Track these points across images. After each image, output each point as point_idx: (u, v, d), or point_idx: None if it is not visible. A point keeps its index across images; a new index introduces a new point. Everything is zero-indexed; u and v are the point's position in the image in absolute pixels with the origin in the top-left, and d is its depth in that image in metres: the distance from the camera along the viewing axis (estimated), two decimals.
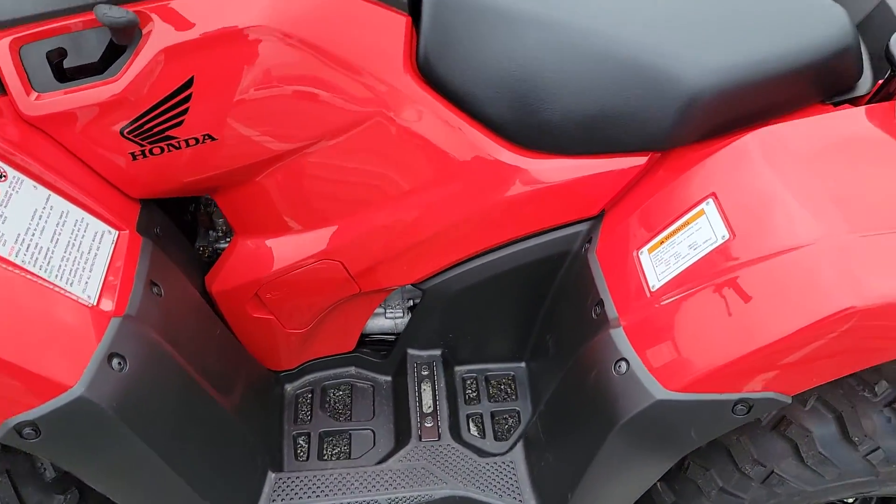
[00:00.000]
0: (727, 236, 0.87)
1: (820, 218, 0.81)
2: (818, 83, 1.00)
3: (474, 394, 1.36)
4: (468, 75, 1.04)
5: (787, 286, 0.78)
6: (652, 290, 0.92)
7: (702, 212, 0.91)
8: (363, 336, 1.39)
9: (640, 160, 1.05)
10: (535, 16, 1.04)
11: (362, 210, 1.11)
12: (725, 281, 0.83)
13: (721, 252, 0.86)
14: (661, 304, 0.90)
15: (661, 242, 0.95)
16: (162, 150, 0.95)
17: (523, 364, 1.37)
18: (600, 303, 1.00)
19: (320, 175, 1.06)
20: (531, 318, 1.27)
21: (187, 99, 0.92)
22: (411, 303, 1.37)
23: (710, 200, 0.91)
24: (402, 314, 1.37)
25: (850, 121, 0.93)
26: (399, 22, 0.99)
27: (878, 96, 0.98)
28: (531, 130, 1.07)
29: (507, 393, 1.38)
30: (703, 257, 0.88)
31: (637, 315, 0.92)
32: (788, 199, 0.84)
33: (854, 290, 0.74)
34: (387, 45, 1.00)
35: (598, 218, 1.11)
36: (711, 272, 0.86)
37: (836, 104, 1.03)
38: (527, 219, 1.14)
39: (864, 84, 1.03)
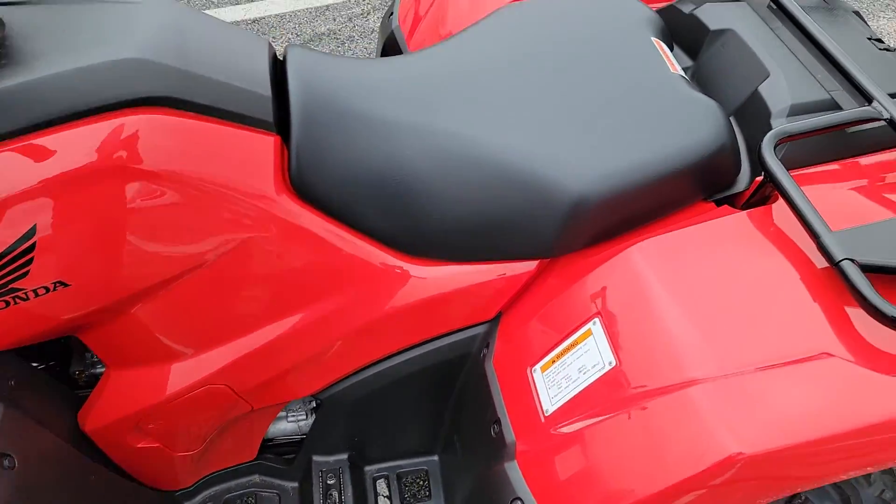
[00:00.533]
0: (614, 363, 0.85)
1: (704, 351, 0.79)
2: (699, 183, 1.00)
3: (386, 497, 1.30)
4: (346, 189, 0.99)
5: (673, 429, 0.76)
6: (546, 414, 0.90)
7: (589, 332, 0.89)
8: (266, 440, 1.32)
9: (530, 265, 1.03)
10: (412, 124, 1.00)
11: (247, 331, 1.05)
12: (613, 417, 0.80)
13: (609, 380, 0.84)
14: (555, 432, 0.87)
15: (553, 362, 0.92)
16: (7, 303, 0.87)
17: (436, 457, 1.33)
18: (498, 421, 0.97)
19: (198, 302, 0.99)
20: (438, 415, 1.23)
21: (31, 249, 0.84)
22: (314, 404, 1.31)
23: (597, 320, 0.89)
24: (305, 416, 1.31)
25: (731, 229, 0.92)
26: (267, 143, 0.94)
27: (755, 196, 0.98)
28: (416, 240, 1.03)
29: (420, 490, 1.34)
30: (592, 384, 0.86)
31: (532, 444, 0.89)
32: (672, 325, 0.83)
33: (738, 435, 0.73)
34: (256, 167, 0.94)
35: (494, 320, 1.08)
36: (600, 403, 0.83)
37: (717, 202, 1.02)
38: (421, 325, 1.10)
39: (743, 179, 1.03)
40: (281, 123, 0.96)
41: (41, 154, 0.82)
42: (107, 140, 0.84)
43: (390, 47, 1.55)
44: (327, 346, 1.09)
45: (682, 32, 1.22)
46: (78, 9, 0.91)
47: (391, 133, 0.99)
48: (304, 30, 3.02)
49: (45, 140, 0.82)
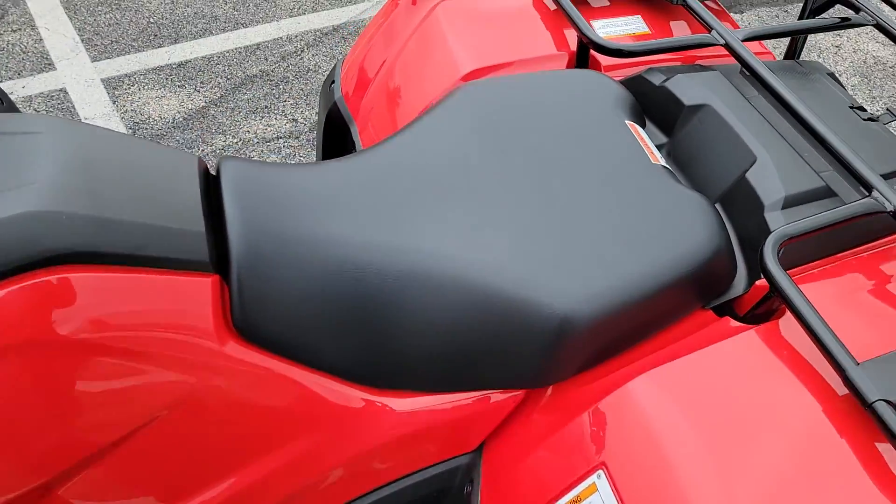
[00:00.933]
0: None
1: None
2: (695, 292, 0.90)
3: None
4: (301, 325, 0.86)
5: None
6: None
7: (593, 487, 0.78)
8: None
9: (515, 394, 0.91)
10: (374, 243, 0.87)
11: (198, 490, 0.90)
12: None
13: None
14: None
15: None
16: None
17: None
18: None
19: (137, 469, 0.84)
20: None
21: None
22: None
23: (601, 473, 0.78)
24: None
25: (742, 352, 0.83)
26: (204, 285, 0.80)
27: (760, 308, 0.89)
28: (384, 373, 0.90)
29: None
30: None
31: None
32: (694, 487, 0.72)
33: None
34: (193, 316, 0.80)
35: (477, 451, 0.97)
36: None
37: (716, 309, 0.93)
38: (395, 462, 0.97)
39: (740, 282, 0.94)
40: (220, 257, 0.83)
41: None
42: (11, 311, 0.69)
43: (335, 119, 1.42)
44: (292, 493, 0.95)
45: (654, 106, 1.13)
46: None
47: (349, 256, 0.86)
48: (234, 72, 2.85)
49: None
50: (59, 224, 0.71)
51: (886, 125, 1.09)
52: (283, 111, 2.70)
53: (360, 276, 0.86)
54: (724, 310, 0.93)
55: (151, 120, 2.60)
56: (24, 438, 0.74)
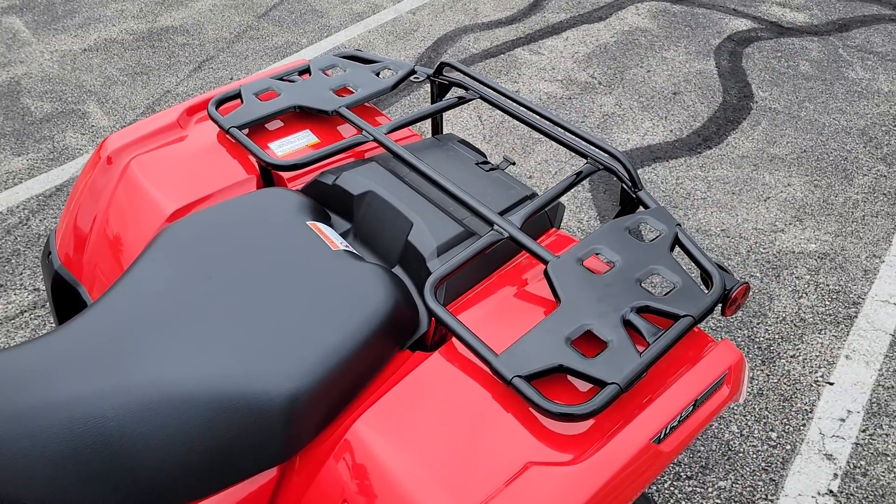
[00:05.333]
0: None
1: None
2: (390, 339, 1.12)
3: None
4: (51, 493, 0.93)
5: None
6: None
7: None
8: None
9: (271, 473, 1.06)
10: (103, 391, 0.98)
11: None
12: None
13: None
14: None
15: None
16: None
17: None
18: None
19: None
20: None
21: None
22: None
23: None
24: None
25: (429, 373, 1.06)
26: None
27: (437, 336, 1.14)
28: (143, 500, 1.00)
29: None
30: None
31: None
32: (410, 489, 0.93)
33: None
34: None
35: None
36: None
37: (412, 347, 1.17)
38: None
39: (424, 321, 1.19)
40: None
41: None
42: None
43: (62, 287, 1.49)
44: None
45: (333, 201, 1.37)
46: None
47: (81, 413, 0.95)
48: None
49: None
50: None
51: (505, 170, 1.42)
52: (21, 284, 2.63)
53: (100, 424, 0.96)
54: (417, 345, 1.16)
55: None
56: None
